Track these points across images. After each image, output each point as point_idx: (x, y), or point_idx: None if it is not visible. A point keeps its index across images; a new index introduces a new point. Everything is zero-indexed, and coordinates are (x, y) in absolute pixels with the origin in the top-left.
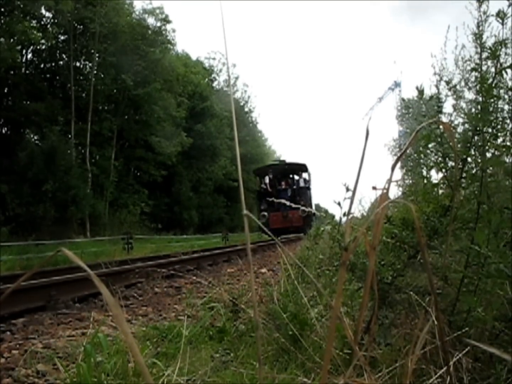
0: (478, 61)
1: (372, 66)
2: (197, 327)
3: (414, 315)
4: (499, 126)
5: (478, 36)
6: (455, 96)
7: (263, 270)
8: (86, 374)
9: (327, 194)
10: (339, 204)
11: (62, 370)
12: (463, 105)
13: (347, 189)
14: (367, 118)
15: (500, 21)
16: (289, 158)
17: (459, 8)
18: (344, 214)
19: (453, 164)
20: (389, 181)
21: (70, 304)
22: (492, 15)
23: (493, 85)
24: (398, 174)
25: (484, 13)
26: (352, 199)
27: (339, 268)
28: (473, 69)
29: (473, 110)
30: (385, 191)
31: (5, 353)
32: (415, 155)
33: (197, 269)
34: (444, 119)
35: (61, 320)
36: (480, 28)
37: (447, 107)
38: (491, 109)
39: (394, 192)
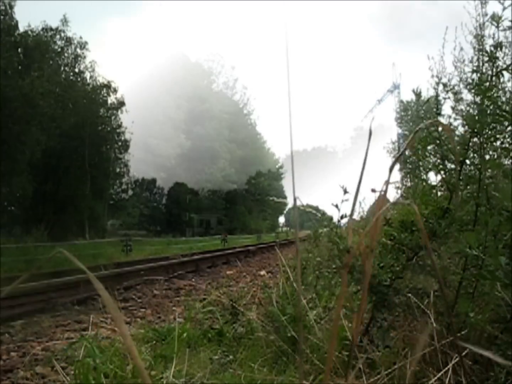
0: (477, 63)
1: (371, 68)
2: (196, 329)
3: (412, 317)
4: (497, 128)
5: (479, 38)
6: (453, 98)
7: (262, 273)
8: (85, 376)
9: (324, 196)
10: (336, 206)
11: (61, 372)
12: (462, 107)
13: (345, 191)
14: (366, 119)
15: (495, 24)
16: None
17: (456, 10)
18: (342, 217)
19: (451, 166)
20: (387, 182)
21: (68, 306)
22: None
23: (490, 87)
24: (397, 176)
25: (486, 14)
26: (354, 201)
27: (342, 270)
28: (474, 71)
29: (471, 111)
30: (383, 193)
31: (4, 355)
32: (414, 157)
33: (196, 271)
34: (443, 121)
35: (59, 322)
36: (479, 30)
37: (446, 109)
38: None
39: (393, 194)
